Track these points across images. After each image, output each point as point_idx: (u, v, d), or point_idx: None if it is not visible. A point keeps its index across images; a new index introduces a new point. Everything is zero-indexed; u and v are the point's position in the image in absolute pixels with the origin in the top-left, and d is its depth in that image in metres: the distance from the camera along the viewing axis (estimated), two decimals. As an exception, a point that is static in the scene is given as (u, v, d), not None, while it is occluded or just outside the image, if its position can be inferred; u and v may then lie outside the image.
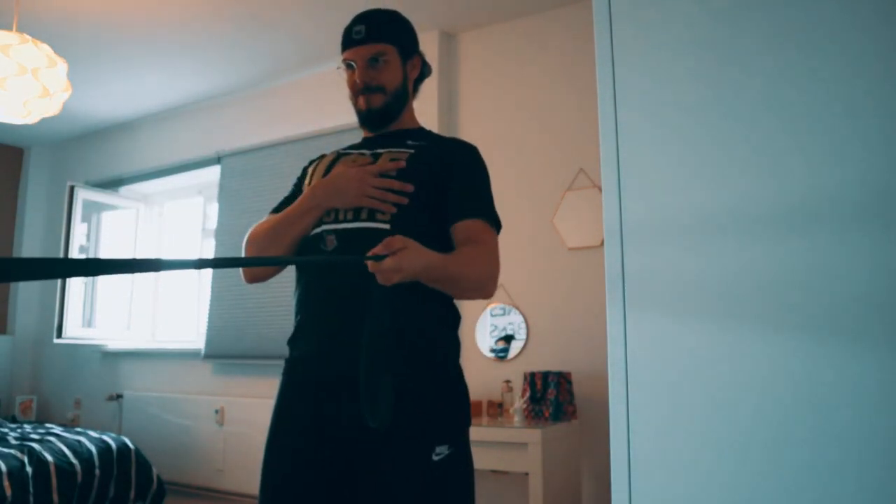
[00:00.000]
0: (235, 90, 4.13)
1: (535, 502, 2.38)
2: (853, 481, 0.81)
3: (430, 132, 1.53)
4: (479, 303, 3.09)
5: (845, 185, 0.86)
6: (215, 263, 1.01)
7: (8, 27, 2.87)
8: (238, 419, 3.68)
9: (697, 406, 0.91)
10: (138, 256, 4.66)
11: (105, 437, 3.43)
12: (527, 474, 2.47)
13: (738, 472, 0.87)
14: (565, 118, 3.08)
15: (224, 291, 3.91)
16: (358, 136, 1.58)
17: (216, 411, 3.75)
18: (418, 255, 1.18)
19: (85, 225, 4.47)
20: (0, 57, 2.43)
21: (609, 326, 0.99)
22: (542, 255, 3.04)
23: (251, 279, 1.48)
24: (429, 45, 3.27)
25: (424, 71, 1.54)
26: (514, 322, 3.07)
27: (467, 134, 3.31)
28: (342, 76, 1.49)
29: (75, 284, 4.25)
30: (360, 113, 1.47)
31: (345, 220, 1.34)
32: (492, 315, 3.14)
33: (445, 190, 1.38)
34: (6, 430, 3.64)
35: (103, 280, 4.40)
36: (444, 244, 1.35)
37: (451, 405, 1.34)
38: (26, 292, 4.95)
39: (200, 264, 0.86)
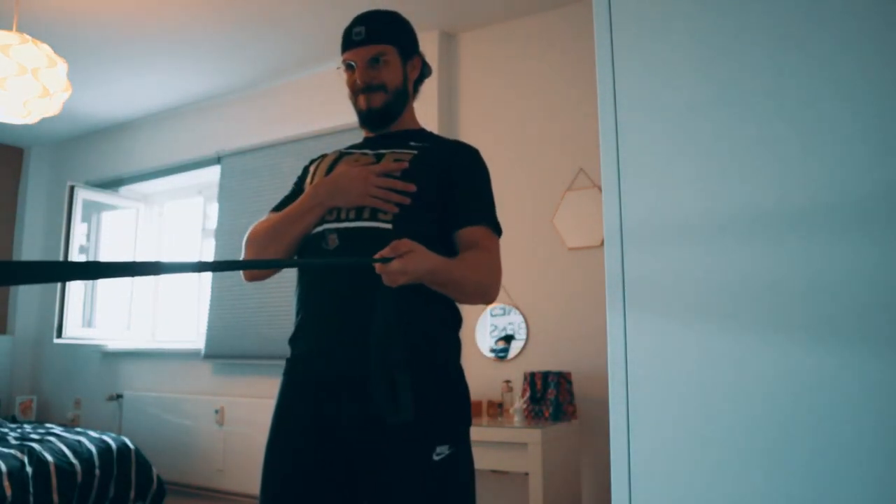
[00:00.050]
0: (235, 90, 4.13)
1: (535, 502, 2.38)
2: (855, 482, 0.80)
3: (431, 133, 1.53)
4: (479, 303, 3.08)
5: (849, 187, 0.85)
6: (220, 266, 1.01)
7: (8, 27, 2.87)
8: (238, 419, 3.68)
9: (697, 406, 0.91)
10: (138, 256, 4.66)
11: (105, 437, 3.43)
12: (527, 474, 2.47)
13: (737, 472, 0.87)
14: (565, 118, 3.08)
15: (224, 291, 3.91)
16: (358, 135, 1.58)
17: (216, 411, 3.75)
18: (424, 259, 1.20)
19: (85, 225, 4.47)
20: (0, 57, 2.43)
21: (609, 327, 0.99)
22: (542, 255, 3.04)
23: (250, 277, 1.48)
24: (429, 45, 3.27)
25: (424, 71, 1.54)
26: (514, 322, 3.07)
27: (467, 134, 3.31)
28: (342, 76, 1.49)
29: (75, 284, 4.25)
30: (360, 113, 1.47)
31: (347, 219, 1.35)
32: (492, 315, 3.14)
33: (448, 193, 1.39)
34: (6, 430, 3.64)
35: (103, 280, 4.40)
36: (445, 246, 1.36)
37: (452, 405, 1.34)
38: (26, 292, 4.95)
39: (200, 267, 0.86)
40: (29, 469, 2.94)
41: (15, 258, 4.99)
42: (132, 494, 3.34)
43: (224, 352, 3.86)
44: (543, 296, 3.02)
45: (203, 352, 3.93)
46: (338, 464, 1.28)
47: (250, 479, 3.49)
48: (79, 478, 3.11)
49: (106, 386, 4.41)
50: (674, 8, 1.01)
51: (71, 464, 3.12)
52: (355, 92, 1.46)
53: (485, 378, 3.02)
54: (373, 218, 1.33)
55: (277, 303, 3.62)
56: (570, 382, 2.75)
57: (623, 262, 0.99)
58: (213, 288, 3.96)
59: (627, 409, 0.96)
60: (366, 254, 1.27)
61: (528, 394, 2.77)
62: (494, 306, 3.12)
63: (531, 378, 2.79)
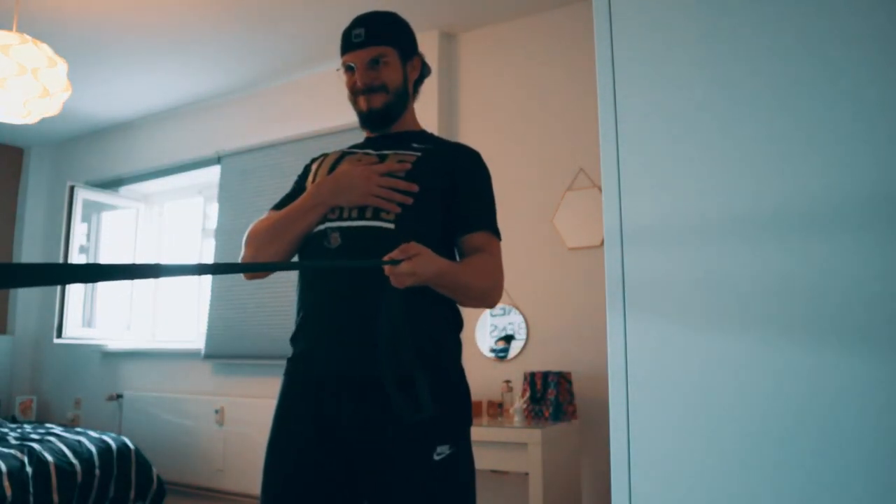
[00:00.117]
0: (235, 90, 4.13)
1: (535, 502, 2.38)
2: (857, 483, 0.80)
3: (432, 135, 1.53)
4: (479, 303, 3.08)
5: (852, 188, 0.85)
6: (222, 269, 1.00)
7: (8, 27, 2.87)
8: (238, 419, 3.68)
9: (697, 406, 0.91)
10: (139, 256, 4.67)
11: (105, 437, 3.43)
12: (527, 474, 2.47)
13: (737, 472, 0.87)
14: (565, 118, 3.08)
15: (224, 291, 3.91)
16: (359, 135, 1.58)
17: (216, 411, 3.75)
18: (431, 262, 1.22)
19: (85, 225, 4.47)
20: (0, 57, 2.43)
21: (609, 327, 0.99)
22: (542, 255, 3.04)
23: (251, 275, 1.48)
24: (429, 45, 3.27)
25: (424, 72, 1.55)
26: (514, 322, 3.07)
27: (467, 134, 3.31)
28: (342, 77, 1.49)
29: (75, 285, 4.25)
30: (360, 114, 1.47)
31: (349, 218, 1.35)
32: (492, 315, 3.14)
33: (451, 196, 1.40)
34: (6, 430, 3.64)
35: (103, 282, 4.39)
36: (446, 247, 1.37)
37: (453, 405, 1.34)
38: (26, 292, 4.94)
39: (201, 269, 0.86)
40: (29, 469, 2.94)
41: (15, 258, 4.99)
42: (132, 494, 3.34)
43: (224, 352, 3.86)
44: (543, 296, 3.02)
45: (203, 352, 3.93)
46: (338, 463, 1.28)
47: (250, 479, 3.49)
48: (79, 478, 3.11)
49: (106, 386, 4.41)
50: (674, 8, 1.01)
51: (71, 464, 3.12)
52: (355, 93, 1.46)
53: (485, 378, 3.02)
54: (375, 217, 1.33)
55: (277, 303, 3.61)
56: (570, 382, 2.75)
57: (623, 263, 0.99)
58: (213, 288, 3.96)
59: (627, 409, 0.96)
60: (368, 253, 1.28)
61: (528, 394, 2.77)
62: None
63: (531, 378, 2.79)
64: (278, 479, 1.32)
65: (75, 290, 4.28)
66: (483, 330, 3.15)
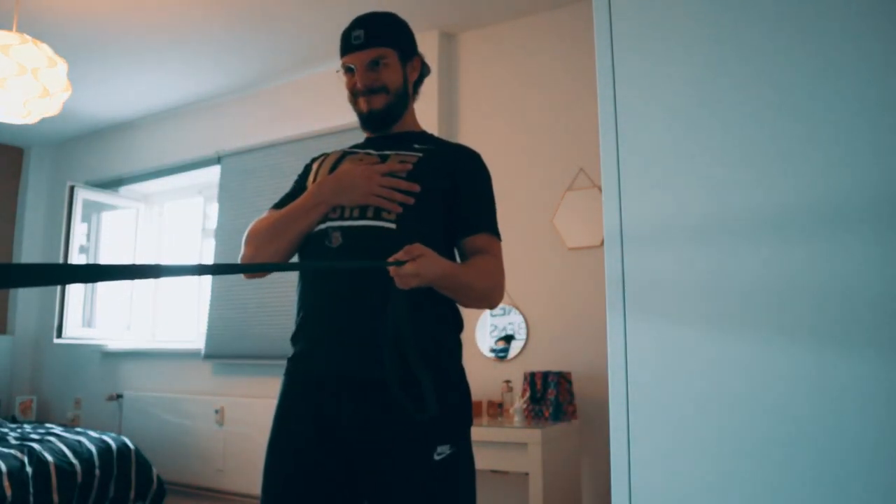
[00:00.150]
0: (235, 90, 4.13)
1: (535, 502, 2.38)
2: (859, 486, 0.80)
3: (432, 136, 1.53)
4: (479, 303, 3.08)
5: (854, 187, 0.85)
6: (223, 269, 1.00)
7: (8, 27, 2.87)
8: (238, 419, 3.68)
9: (697, 406, 0.91)
10: (139, 256, 4.67)
11: (105, 437, 3.43)
12: (527, 474, 2.47)
13: (737, 472, 0.87)
14: (565, 118, 3.08)
15: (224, 291, 3.91)
16: (359, 135, 1.58)
17: (216, 411, 3.75)
18: (435, 263, 1.23)
19: (85, 225, 4.47)
20: (0, 57, 2.43)
21: (609, 327, 0.99)
22: (542, 255, 3.04)
23: (249, 275, 1.48)
24: (429, 45, 3.27)
25: (424, 72, 1.55)
26: (514, 322, 3.07)
27: (467, 134, 3.31)
28: (342, 79, 1.49)
29: (75, 285, 4.25)
30: (361, 115, 1.47)
31: (350, 218, 1.35)
32: (492, 315, 3.14)
33: (452, 198, 1.40)
34: (6, 430, 3.64)
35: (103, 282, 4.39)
36: (447, 249, 1.38)
37: (453, 405, 1.34)
38: (26, 292, 4.94)
39: (201, 270, 0.86)
40: (29, 469, 2.94)
41: (15, 258, 4.99)
42: (132, 494, 3.34)
43: (224, 352, 3.86)
44: (543, 296, 3.02)
45: (203, 352, 3.93)
46: (338, 463, 1.28)
47: (250, 479, 3.49)
48: (79, 478, 3.11)
49: (106, 386, 4.41)
50: (673, 8, 1.01)
51: (71, 464, 3.12)
52: (355, 95, 1.46)
53: (485, 378, 3.02)
54: (376, 217, 1.34)
55: (277, 303, 3.62)
56: (570, 382, 2.75)
57: (623, 263, 0.99)
58: (213, 288, 3.96)
59: (627, 409, 0.96)
60: (369, 253, 1.28)
61: (528, 394, 2.77)
62: (494, 306, 3.11)
63: (531, 378, 2.79)
64: (278, 479, 1.32)
65: (75, 291, 4.28)
66: (483, 330, 3.15)
